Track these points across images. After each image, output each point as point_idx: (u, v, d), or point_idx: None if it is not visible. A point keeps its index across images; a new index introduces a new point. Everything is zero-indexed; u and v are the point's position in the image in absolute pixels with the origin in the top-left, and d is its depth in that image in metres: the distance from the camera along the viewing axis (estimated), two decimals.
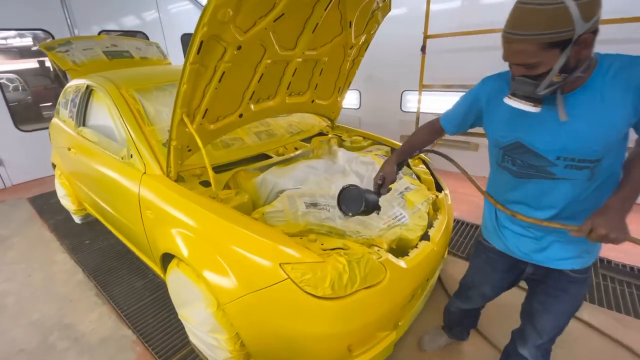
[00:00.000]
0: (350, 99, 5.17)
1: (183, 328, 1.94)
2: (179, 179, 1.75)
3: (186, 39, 6.12)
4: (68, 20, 4.64)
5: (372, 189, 1.34)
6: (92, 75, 2.67)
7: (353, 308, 1.28)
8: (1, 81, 8.32)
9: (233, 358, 1.50)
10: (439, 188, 2.11)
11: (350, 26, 1.93)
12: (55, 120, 3.24)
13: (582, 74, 0.82)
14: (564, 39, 0.73)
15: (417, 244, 1.61)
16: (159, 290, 2.35)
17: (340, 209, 1.32)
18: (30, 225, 3.49)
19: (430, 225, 1.77)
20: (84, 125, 2.60)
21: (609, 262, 2.43)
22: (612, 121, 0.83)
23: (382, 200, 1.76)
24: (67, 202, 3.25)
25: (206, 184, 1.77)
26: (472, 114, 1.13)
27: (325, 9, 1.64)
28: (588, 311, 2.00)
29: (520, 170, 1.01)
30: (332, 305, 1.25)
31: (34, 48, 7.31)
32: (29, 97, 7.31)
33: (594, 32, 0.75)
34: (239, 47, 1.44)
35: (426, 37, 3.40)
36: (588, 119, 0.85)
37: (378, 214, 1.35)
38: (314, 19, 1.67)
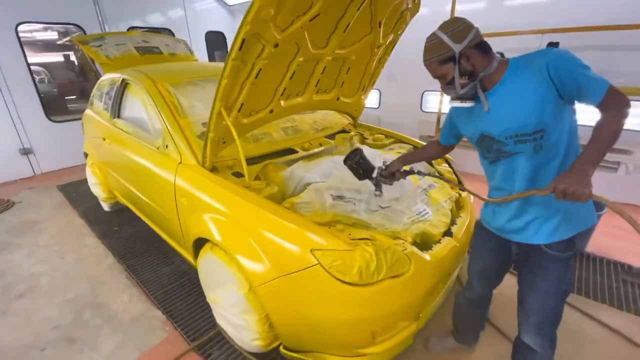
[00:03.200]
0: (370, 99, 5.20)
1: (210, 312, 2.03)
2: (212, 170, 1.84)
3: (210, 37, 6.26)
4: (99, 16, 4.83)
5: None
6: (127, 69, 2.80)
7: (379, 295, 1.34)
8: None
9: (260, 339, 1.58)
10: (462, 188, 2.14)
11: (380, 26, 1.98)
12: (88, 111, 3.40)
13: (488, 73, 1.10)
14: (449, 56, 1.09)
15: (440, 240, 1.66)
16: (185, 276, 2.46)
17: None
18: (60, 211, 3.67)
19: (453, 223, 1.81)
20: (118, 116, 2.74)
21: (630, 267, 2.42)
22: (529, 101, 1.04)
23: (406, 197, 1.82)
24: (97, 190, 3.41)
25: (238, 175, 1.86)
26: (453, 126, 1.38)
27: (358, 9, 1.70)
28: (607, 313, 2.01)
29: (492, 155, 1.21)
30: (359, 292, 1.31)
31: (59, 42, 7.62)
32: (55, 90, 7.60)
33: (475, 47, 1.08)
34: (276, 45, 1.52)
35: None
36: (511, 104, 1.09)
37: (373, 180, 1.54)
38: (346, 18, 1.73)
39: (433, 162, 2.30)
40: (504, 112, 1.11)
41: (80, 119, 3.73)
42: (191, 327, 1.99)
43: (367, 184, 1.82)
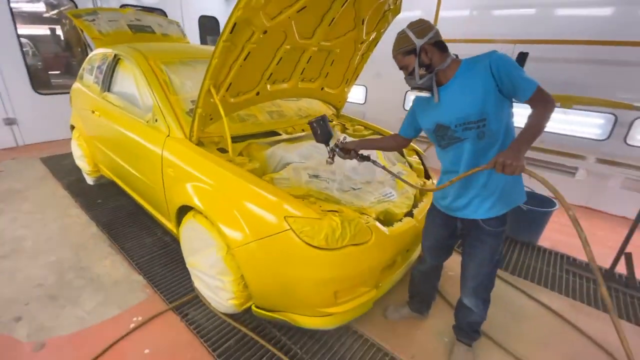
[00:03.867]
0: (356, 94, 5.40)
1: (188, 278, 2.18)
2: (199, 144, 1.97)
3: (203, 21, 6.28)
4: None
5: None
6: (120, 45, 2.88)
7: (341, 259, 1.52)
8: None
9: (235, 298, 1.74)
10: (428, 177, 2.35)
11: (363, 23, 2.15)
12: (77, 85, 3.44)
13: (444, 68, 1.30)
14: (411, 49, 1.30)
15: (401, 219, 1.86)
16: (166, 247, 2.58)
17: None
18: (44, 182, 3.70)
19: (415, 206, 2.01)
20: (109, 90, 2.81)
21: (575, 259, 2.70)
22: (476, 93, 1.24)
23: (376, 182, 2.02)
24: (82, 163, 3.46)
25: (222, 150, 2.00)
26: (414, 120, 1.56)
27: (342, 6, 1.86)
28: (547, 296, 2.27)
29: (445, 142, 1.39)
30: (324, 255, 1.49)
31: (46, 15, 7.44)
32: (39, 63, 7.43)
33: (434, 44, 1.29)
34: (265, 32, 1.67)
35: None
36: (461, 95, 1.28)
37: (328, 147, 1.67)
38: (331, 13, 1.89)
39: (404, 152, 2.50)
40: (455, 103, 1.30)
41: (65, 93, 3.75)
42: (170, 290, 2.13)
43: (343, 169, 2.02)
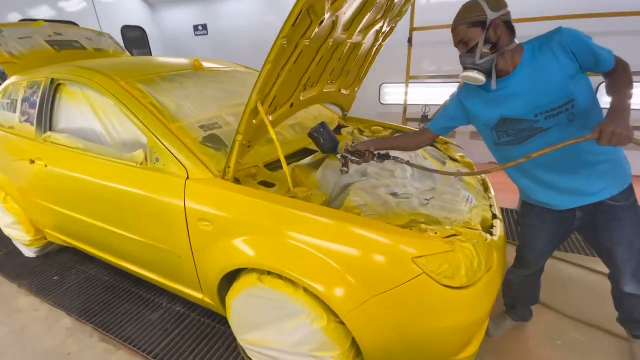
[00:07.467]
0: None
1: (238, 356, 1.66)
2: (233, 181, 1.48)
3: (127, 33, 5.34)
4: None
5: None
6: (55, 67, 2.16)
7: (481, 294, 1.23)
8: None
9: None
10: None
11: (391, 10, 1.86)
12: None
13: (510, 51, 1.15)
14: (480, 20, 1.12)
15: (492, 223, 1.63)
16: (182, 319, 1.98)
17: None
18: None
19: (490, 204, 1.80)
20: (51, 129, 2.06)
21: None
22: (555, 77, 1.11)
23: (442, 185, 1.76)
24: (16, 232, 2.54)
25: (265, 184, 1.53)
26: (459, 114, 1.39)
27: None
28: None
29: (511, 138, 1.25)
30: (467, 294, 1.18)
31: None
32: None
33: (505, 22, 1.13)
34: (321, 22, 1.27)
35: (412, 29, 3.52)
36: (537, 82, 1.14)
37: (336, 154, 1.53)
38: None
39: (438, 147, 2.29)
40: (531, 91, 1.16)
41: None
42: None
43: (405, 179, 1.72)
